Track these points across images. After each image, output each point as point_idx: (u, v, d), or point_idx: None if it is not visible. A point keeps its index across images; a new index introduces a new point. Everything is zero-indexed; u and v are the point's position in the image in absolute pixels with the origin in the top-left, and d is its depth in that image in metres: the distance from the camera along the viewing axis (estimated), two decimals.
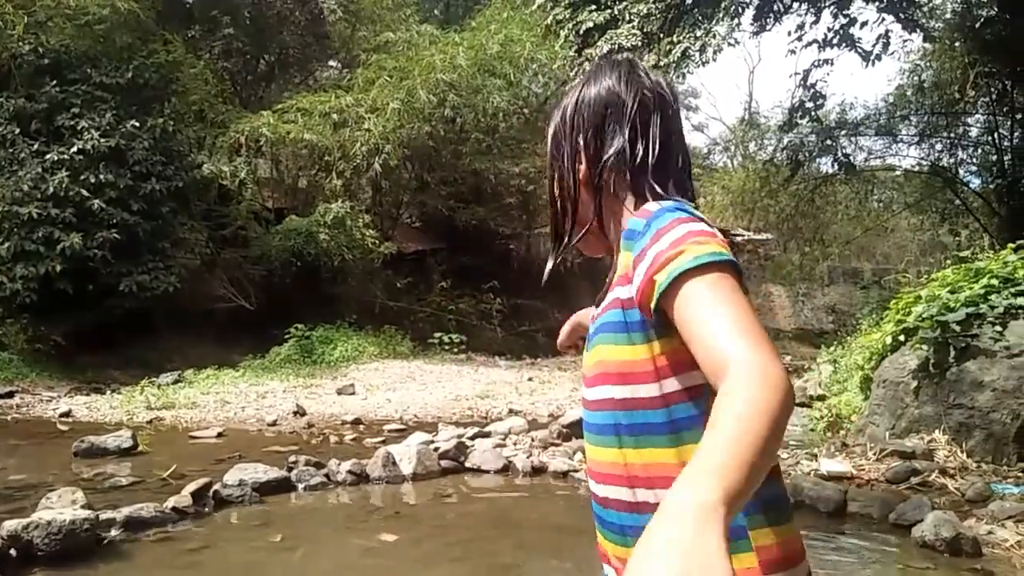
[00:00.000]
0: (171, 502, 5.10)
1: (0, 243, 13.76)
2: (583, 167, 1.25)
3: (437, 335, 17.75)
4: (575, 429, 8.17)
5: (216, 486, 5.48)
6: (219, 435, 8.54)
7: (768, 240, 25.88)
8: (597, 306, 1.24)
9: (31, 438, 8.62)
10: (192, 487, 5.26)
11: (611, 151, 1.20)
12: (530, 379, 13.29)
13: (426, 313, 20.32)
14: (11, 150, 14.35)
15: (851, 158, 16.74)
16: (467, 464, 6.75)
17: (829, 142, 16.25)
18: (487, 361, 16.84)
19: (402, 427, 9.00)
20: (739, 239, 26.94)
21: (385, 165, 18.32)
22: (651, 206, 1.12)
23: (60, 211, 13.88)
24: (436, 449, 6.87)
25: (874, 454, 6.41)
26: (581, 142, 1.24)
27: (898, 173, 20.61)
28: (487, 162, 21.58)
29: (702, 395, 1.04)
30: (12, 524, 4.14)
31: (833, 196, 20.95)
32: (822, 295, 23.53)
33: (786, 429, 0.87)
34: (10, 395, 11.80)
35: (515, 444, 7.55)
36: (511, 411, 9.95)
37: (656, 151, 1.19)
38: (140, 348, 14.84)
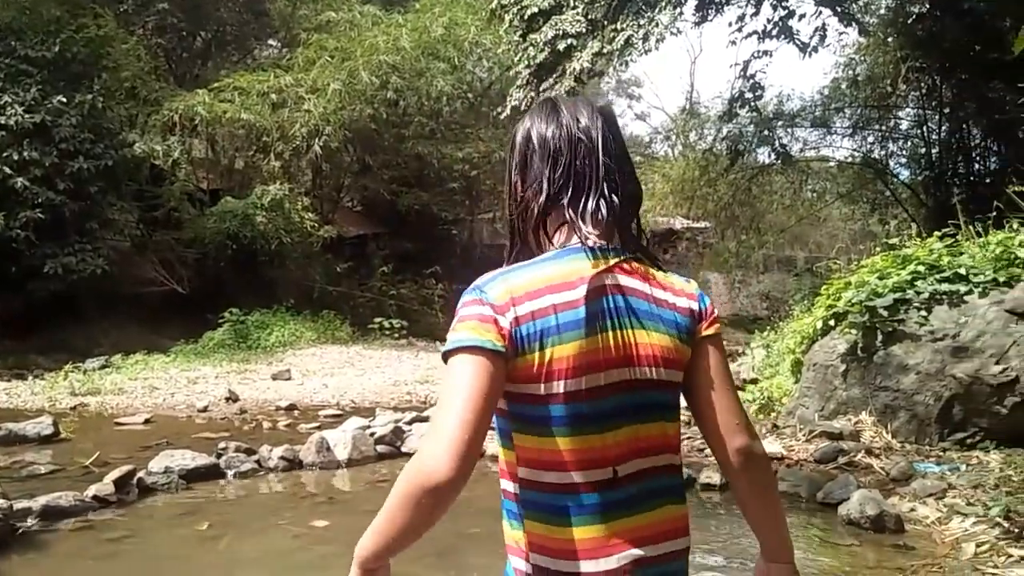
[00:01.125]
0: (92, 490, 4.91)
1: None
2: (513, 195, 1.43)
3: (377, 320, 17.55)
4: None
5: (140, 473, 5.30)
6: (146, 422, 8.27)
7: (706, 229, 26.30)
8: None
9: None
10: (115, 474, 5.07)
11: (528, 184, 1.38)
12: None
13: (367, 298, 20.07)
14: None
15: (787, 149, 17.08)
16: (404, 449, 6.68)
17: (767, 133, 16.55)
18: (428, 346, 16.73)
19: (339, 413, 8.87)
20: (678, 227, 27.38)
21: (325, 147, 17.98)
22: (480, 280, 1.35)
23: None
24: (372, 434, 6.78)
25: (803, 435, 6.56)
26: (512, 174, 1.43)
27: (832, 164, 21.15)
28: (430, 146, 21.38)
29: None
30: None
31: (769, 186, 21.39)
32: (757, 282, 24.02)
33: (428, 497, 1.17)
34: None
35: None
36: None
37: (563, 186, 1.35)
38: (66, 332, 14.28)
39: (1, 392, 10.32)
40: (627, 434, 1.28)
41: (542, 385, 1.24)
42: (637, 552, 1.26)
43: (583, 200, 1.34)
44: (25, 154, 13.65)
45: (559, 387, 1.23)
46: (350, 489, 5.73)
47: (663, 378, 1.32)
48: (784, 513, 1.41)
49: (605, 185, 1.35)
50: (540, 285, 1.27)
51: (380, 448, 6.60)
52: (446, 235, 24.84)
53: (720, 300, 27.35)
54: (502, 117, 12.67)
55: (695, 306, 1.39)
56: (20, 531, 4.26)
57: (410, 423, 7.52)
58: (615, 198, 1.35)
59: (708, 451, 6.19)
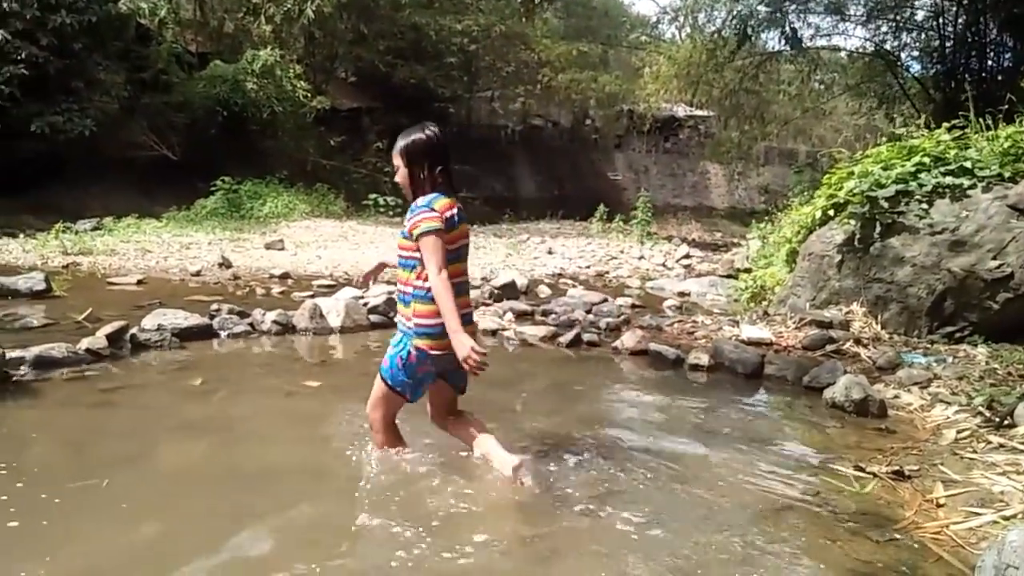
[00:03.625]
0: (85, 343, 4.92)
1: None
2: (408, 169, 3.15)
3: (372, 196, 17.34)
4: (506, 291, 8.20)
5: (133, 330, 5.30)
6: (139, 282, 8.27)
7: (709, 118, 25.78)
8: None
9: None
10: (107, 329, 5.08)
11: (420, 165, 3.13)
12: None
13: (361, 174, 19.77)
14: None
15: (798, 33, 16.51)
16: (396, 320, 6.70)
17: (778, 14, 15.91)
18: None
19: (332, 284, 8.87)
20: (680, 115, 26.81)
21: (318, 12, 17.26)
22: (420, 200, 3.07)
23: None
24: (366, 304, 6.79)
25: (793, 323, 6.62)
26: (413, 159, 3.14)
27: (842, 54, 20.51)
28: (428, 16, 20.56)
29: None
30: None
31: (777, 75, 20.81)
32: (756, 175, 23.78)
33: (448, 288, 2.91)
34: None
35: None
36: None
37: (432, 168, 3.12)
38: (56, 194, 14.06)
39: None
40: (463, 263, 3.19)
41: (451, 243, 3.06)
42: (469, 309, 3.26)
43: (443, 168, 3.13)
44: (4, 5, 13.02)
45: (456, 244, 3.10)
46: (342, 354, 5.77)
47: (468, 242, 3.25)
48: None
49: (447, 162, 3.15)
50: (446, 203, 3.08)
51: (373, 318, 6.61)
52: (442, 112, 24.24)
53: (719, 192, 27.22)
54: None
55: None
56: (14, 379, 4.29)
57: None
58: (450, 168, 3.17)
59: (698, 333, 6.24)
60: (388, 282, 7.21)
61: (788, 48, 17.00)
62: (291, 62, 17.52)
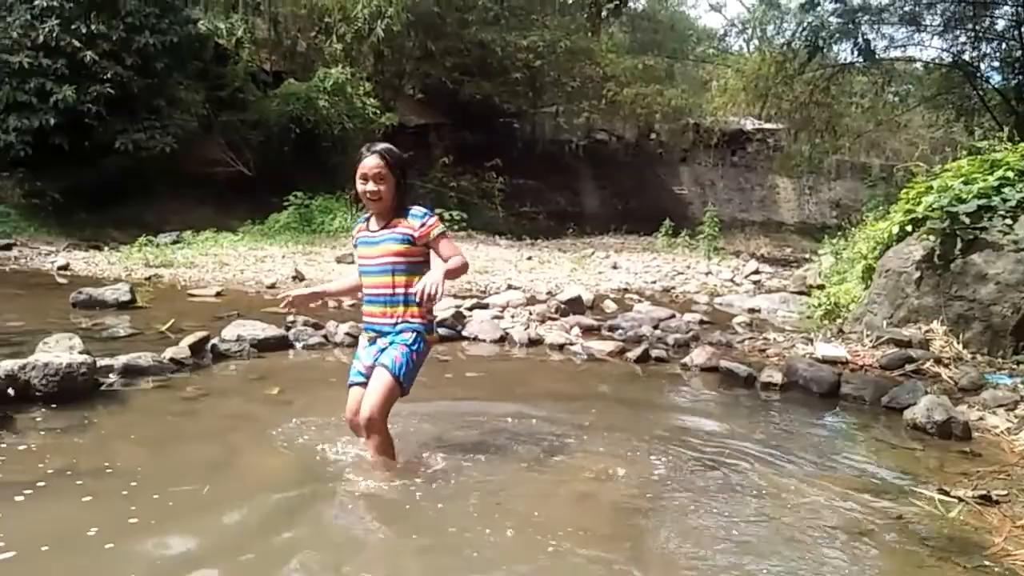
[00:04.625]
0: (169, 353, 5.11)
1: None
2: (397, 181, 3.32)
3: (438, 211, 17.47)
4: (572, 305, 8.20)
5: (214, 340, 5.49)
6: (218, 294, 8.56)
7: (778, 131, 25.32)
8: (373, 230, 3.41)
9: (29, 288, 8.64)
10: (190, 339, 5.27)
11: (404, 180, 3.36)
12: (529, 258, 13.26)
13: (427, 189, 20.06)
14: None
15: (871, 45, 16.11)
16: (464, 333, 6.78)
17: (850, 26, 15.58)
18: (487, 240, 16.77)
19: None
20: (748, 128, 26.40)
21: (388, 30, 17.64)
22: (415, 208, 3.35)
23: (52, 62, 13.42)
24: (434, 317, 6.87)
25: (870, 341, 6.43)
26: (404, 173, 3.35)
27: (918, 65, 19.92)
28: (494, 33, 20.79)
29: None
30: (8, 364, 4.14)
31: (849, 87, 20.34)
32: (828, 189, 23.25)
33: (465, 270, 3.37)
34: (8, 247, 11.78)
35: (513, 317, 7.57)
36: (509, 286, 9.95)
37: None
38: (138, 208, 14.70)
39: (80, 260, 10.75)
40: None
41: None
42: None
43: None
44: (93, 27, 13.71)
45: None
46: None
47: None
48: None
49: None
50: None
51: (441, 331, 6.68)
52: (508, 128, 24.46)
53: (788, 206, 26.65)
54: (569, 2, 12.14)
55: None
56: (103, 386, 4.48)
57: (470, 309, 7.62)
58: None
59: (770, 351, 6.13)
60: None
61: (861, 60, 16.60)
62: (361, 80, 17.95)
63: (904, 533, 2.99)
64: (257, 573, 2.50)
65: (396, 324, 3.28)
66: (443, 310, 7.17)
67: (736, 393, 5.24)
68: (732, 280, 11.65)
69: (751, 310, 9.07)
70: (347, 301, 7.77)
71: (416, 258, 3.30)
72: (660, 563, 2.67)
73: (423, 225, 3.26)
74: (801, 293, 9.79)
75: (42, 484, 3.04)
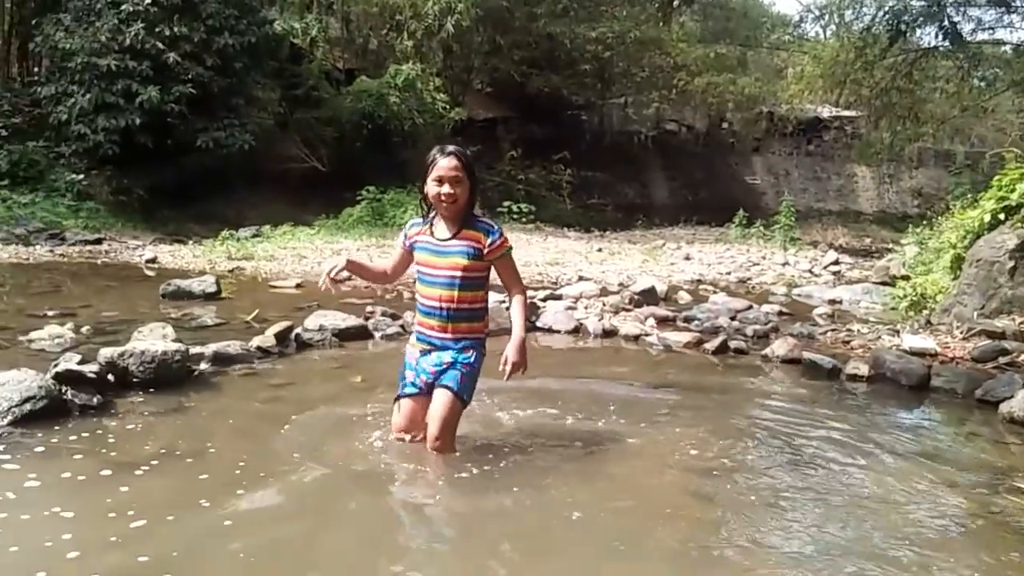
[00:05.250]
0: (255, 341, 5.28)
1: (82, 94, 13.98)
2: (471, 185, 3.21)
3: (506, 204, 17.64)
4: (646, 296, 8.12)
5: (297, 330, 5.64)
6: (297, 286, 8.80)
7: (856, 118, 24.53)
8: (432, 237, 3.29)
9: (120, 280, 9.04)
10: (275, 329, 5.43)
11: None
12: (599, 249, 13.19)
13: (495, 182, 20.15)
14: (87, 0, 14.33)
15: (958, 28, 15.44)
16: (538, 324, 6.78)
17: (935, 9, 14.95)
18: (556, 232, 16.74)
19: None
20: (825, 116, 25.65)
21: (457, 26, 17.75)
22: (488, 221, 3.33)
23: (137, 64, 13.97)
24: (508, 308, 6.90)
25: (960, 333, 6.20)
26: (475, 178, 3.23)
27: (1007, 48, 19.01)
28: (563, 25, 20.70)
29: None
30: (108, 351, 4.34)
31: (933, 71, 19.55)
32: (909, 178, 22.40)
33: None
34: (99, 242, 12.34)
35: (586, 308, 7.55)
36: (581, 278, 9.92)
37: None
38: (218, 204, 15.20)
39: (167, 254, 11.19)
40: None
41: None
42: None
43: None
44: (175, 29, 14.19)
45: None
46: (488, 358, 5.88)
47: None
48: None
49: None
50: None
51: None
52: (575, 120, 24.35)
53: (867, 196, 25.79)
54: None
55: None
56: (195, 373, 4.65)
57: (544, 300, 7.63)
58: None
59: (854, 343, 5.96)
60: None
61: (946, 43, 15.93)
62: (431, 75, 18.14)
63: (1001, 528, 2.88)
64: (351, 548, 2.57)
65: (457, 340, 3.22)
66: None
67: (820, 385, 5.10)
68: (810, 271, 11.35)
69: (832, 301, 8.83)
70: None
71: (480, 273, 3.24)
72: (746, 554, 2.62)
73: (493, 243, 3.18)
74: (884, 284, 9.48)
75: (155, 463, 3.22)
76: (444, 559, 2.62)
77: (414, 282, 3.40)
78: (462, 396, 3.20)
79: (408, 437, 3.35)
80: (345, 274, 3.38)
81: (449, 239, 3.21)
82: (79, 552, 2.42)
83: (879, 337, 6.37)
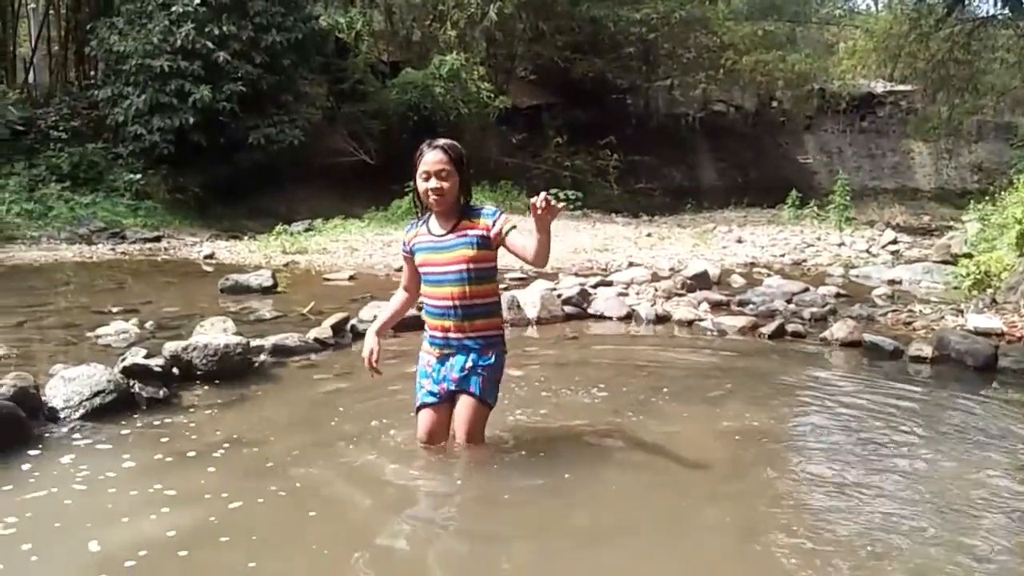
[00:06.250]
0: (313, 333, 5.38)
1: (137, 95, 14.34)
2: (461, 178, 3.05)
3: (552, 191, 17.52)
4: (698, 281, 8.03)
5: (353, 321, 5.72)
6: (351, 278, 8.94)
7: (911, 92, 23.80)
8: (432, 234, 3.14)
9: (180, 276, 9.29)
10: (332, 320, 5.52)
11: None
12: (648, 235, 13.07)
13: (541, 169, 20.09)
14: (139, 3, 14.66)
15: None
16: (590, 311, 6.77)
17: None
18: (604, 218, 16.63)
19: (522, 276, 9.08)
20: (879, 91, 24.94)
21: (500, 13, 17.71)
22: (486, 207, 3.12)
23: (189, 64, 14.25)
24: (559, 296, 6.90)
25: None
26: (466, 171, 3.08)
27: None
28: (606, 8, 20.48)
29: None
30: (172, 346, 4.47)
31: (991, 41, 18.82)
32: (968, 152, 21.63)
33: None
34: (157, 239, 12.70)
35: (638, 294, 7.50)
36: (631, 263, 9.85)
37: None
38: (269, 199, 15.48)
39: (223, 249, 11.45)
40: None
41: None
42: None
43: None
44: (224, 28, 14.43)
45: None
46: (539, 344, 5.90)
47: None
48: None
49: None
50: None
51: (567, 309, 6.71)
52: (620, 104, 24.10)
53: (924, 172, 25.04)
54: None
55: None
56: (256, 365, 4.76)
57: (595, 287, 7.59)
58: None
59: (916, 324, 5.81)
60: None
61: (1006, 12, 15.34)
62: (475, 65, 18.13)
63: None
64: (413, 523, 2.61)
65: (475, 339, 3.06)
66: (568, 288, 7.19)
67: (882, 367, 4.99)
68: (868, 251, 11.08)
69: (891, 281, 8.61)
70: None
71: (489, 263, 3.07)
72: (810, 537, 2.59)
73: (495, 224, 2.99)
74: (945, 262, 9.20)
75: (224, 449, 3.37)
76: (499, 538, 2.64)
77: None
78: (487, 400, 3.11)
79: (434, 448, 3.25)
80: (376, 351, 3.26)
81: (448, 233, 3.05)
82: (179, 529, 2.57)
83: (942, 317, 6.20)
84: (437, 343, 3.14)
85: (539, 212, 2.69)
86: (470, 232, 3.01)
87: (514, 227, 3.00)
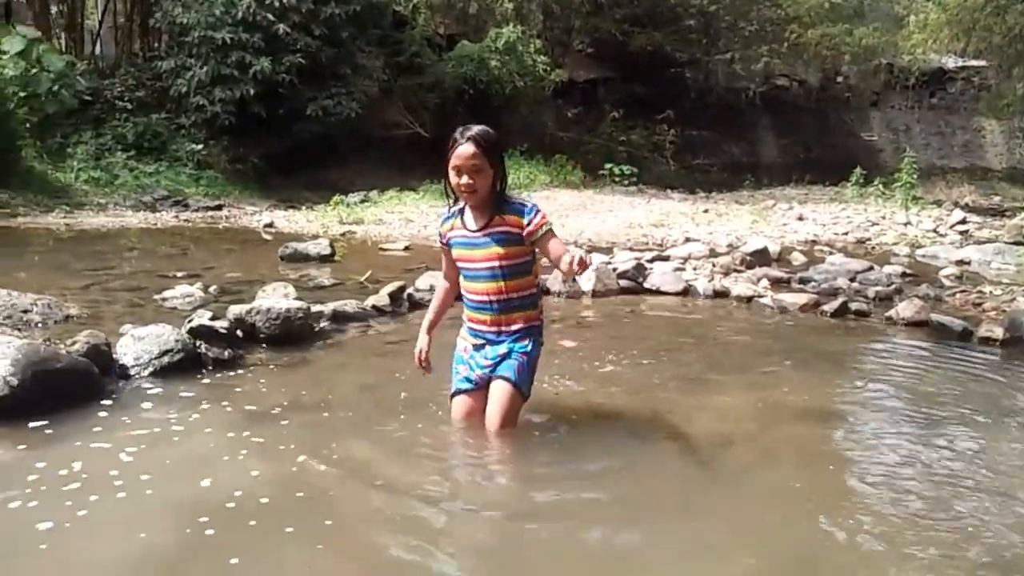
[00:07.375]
0: (371, 300, 5.45)
1: (199, 67, 14.60)
2: (494, 171, 2.93)
3: (608, 166, 17.41)
4: (758, 257, 7.89)
5: (410, 290, 5.77)
6: (406, 248, 9.02)
7: (984, 68, 22.81)
8: (467, 230, 3.04)
9: (240, 244, 9.48)
10: (389, 288, 5.58)
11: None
12: (706, 211, 12.86)
13: (596, 144, 19.90)
14: None
15: None
16: (646, 285, 6.70)
17: None
18: (659, 194, 16.41)
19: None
20: (950, 67, 23.99)
21: None
22: (521, 202, 3.02)
23: (249, 36, 14.44)
24: (615, 269, 6.85)
25: None
26: (501, 161, 2.98)
27: None
28: None
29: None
30: (237, 309, 4.56)
31: None
32: None
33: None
34: (219, 208, 12.98)
35: (695, 269, 7.40)
36: (688, 239, 9.71)
37: None
38: (327, 170, 15.66)
39: (282, 219, 11.65)
40: None
41: None
42: None
43: None
44: (284, 1, 14.56)
45: None
46: (595, 317, 5.88)
47: None
48: None
49: None
50: None
51: (623, 283, 6.67)
52: (679, 78, 23.66)
53: (995, 151, 24.08)
54: None
55: None
56: (317, 329, 4.84)
57: (651, 261, 7.51)
58: None
59: (986, 305, 5.62)
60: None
61: None
62: (531, 38, 17.98)
63: None
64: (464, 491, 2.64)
65: (512, 331, 3.02)
66: (623, 262, 7.13)
67: (950, 349, 4.84)
68: (935, 231, 10.71)
69: (960, 262, 8.32)
70: None
71: (524, 258, 2.99)
72: (873, 525, 2.53)
73: (530, 223, 2.90)
74: (1018, 244, 8.87)
75: (289, 407, 3.48)
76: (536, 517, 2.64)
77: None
78: (521, 388, 3.03)
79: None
80: (425, 351, 3.26)
81: (481, 229, 2.97)
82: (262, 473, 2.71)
83: (1014, 299, 5.98)
84: (475, 334, 3.11)
85: (565, 272, 2.71)
86: (502, 229, 2.93)
87: (550, 230, 2.93)
